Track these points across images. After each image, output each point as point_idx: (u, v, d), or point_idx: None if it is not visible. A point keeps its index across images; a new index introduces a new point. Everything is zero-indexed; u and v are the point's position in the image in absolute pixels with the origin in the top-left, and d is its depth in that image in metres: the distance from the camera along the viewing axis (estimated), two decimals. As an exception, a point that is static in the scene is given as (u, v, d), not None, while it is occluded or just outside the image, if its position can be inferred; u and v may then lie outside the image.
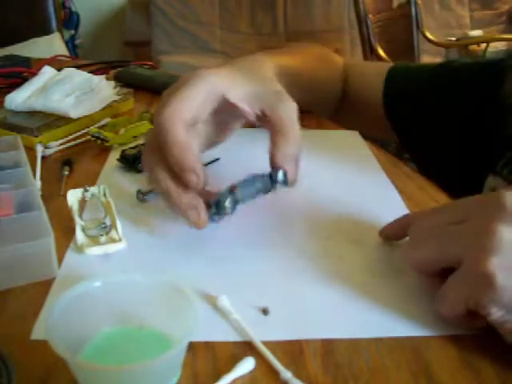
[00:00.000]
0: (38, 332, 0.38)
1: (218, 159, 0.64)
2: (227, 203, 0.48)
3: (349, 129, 0.78)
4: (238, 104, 0.51)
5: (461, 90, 0.74)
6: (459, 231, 0.39)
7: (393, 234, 0.49)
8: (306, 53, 0.78)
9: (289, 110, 0.52)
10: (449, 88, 0.76)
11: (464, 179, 0.61)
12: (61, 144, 0.69)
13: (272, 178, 0.49)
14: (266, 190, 0.50)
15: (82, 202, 0.51)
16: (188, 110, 0.48)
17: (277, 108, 0.51)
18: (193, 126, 0.49)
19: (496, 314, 0.36)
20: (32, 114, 0.74)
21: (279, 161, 0.49)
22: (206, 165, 0.60)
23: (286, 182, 0.49)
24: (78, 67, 0.90)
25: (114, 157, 0.64)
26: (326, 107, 0.83)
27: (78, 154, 0.67)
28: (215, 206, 0.48)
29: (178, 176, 0.47)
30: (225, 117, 0.54)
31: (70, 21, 2.79)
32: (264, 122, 0.52)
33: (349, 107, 0.83)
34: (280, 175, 0.49)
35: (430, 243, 0.41)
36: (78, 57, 2.67)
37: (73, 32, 2.83)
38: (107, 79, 0.84)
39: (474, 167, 0.67)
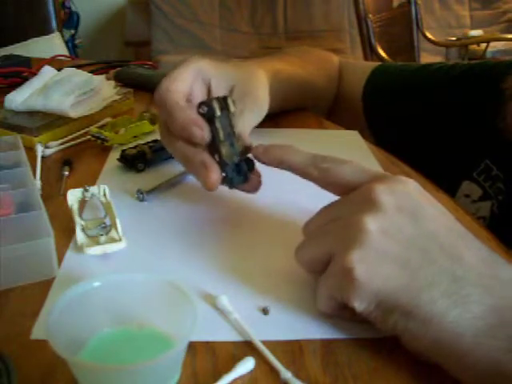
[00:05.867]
0: (37, 332, 0.38)
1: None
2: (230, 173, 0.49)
3: (336, 124, 0.78)
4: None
5: (436, 93, 0.75)
6: (333, 228, 0.39)
7: None
8: (304, 56, 0.80)
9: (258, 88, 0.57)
10: (425, 91, 0.77)
11: (436, 183, 0.61)
12: (61, 144, 0.69)
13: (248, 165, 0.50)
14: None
15: (82, 202, 0.51)
16: (181, 86, 0.52)
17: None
18: (190, 103, 0.52)
19: (360, 306, 0.36)
20: (32, 113, 0.74)
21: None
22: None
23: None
24: (78, 67, 0.90)
25: (113, 157, 0.64)
26: (322, 106, 0.84)
27: (78, 154, 0.67)
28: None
29: (188, 139, 0.49)
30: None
31: (70, 21, 2.80)
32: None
33: (337, 103, 0.85)
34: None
35: (310, 242, 0.41)
36: (78, 57, 2.67)
37: (73, 32, 2.83)
38: (107, 79, 0.84)
39: (447, 172, 0.67)
